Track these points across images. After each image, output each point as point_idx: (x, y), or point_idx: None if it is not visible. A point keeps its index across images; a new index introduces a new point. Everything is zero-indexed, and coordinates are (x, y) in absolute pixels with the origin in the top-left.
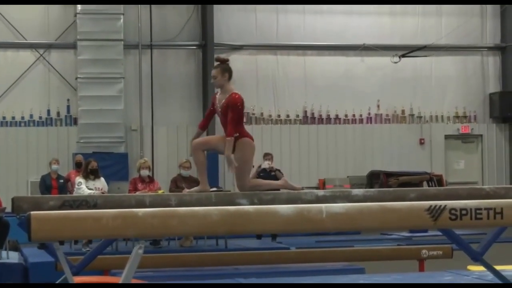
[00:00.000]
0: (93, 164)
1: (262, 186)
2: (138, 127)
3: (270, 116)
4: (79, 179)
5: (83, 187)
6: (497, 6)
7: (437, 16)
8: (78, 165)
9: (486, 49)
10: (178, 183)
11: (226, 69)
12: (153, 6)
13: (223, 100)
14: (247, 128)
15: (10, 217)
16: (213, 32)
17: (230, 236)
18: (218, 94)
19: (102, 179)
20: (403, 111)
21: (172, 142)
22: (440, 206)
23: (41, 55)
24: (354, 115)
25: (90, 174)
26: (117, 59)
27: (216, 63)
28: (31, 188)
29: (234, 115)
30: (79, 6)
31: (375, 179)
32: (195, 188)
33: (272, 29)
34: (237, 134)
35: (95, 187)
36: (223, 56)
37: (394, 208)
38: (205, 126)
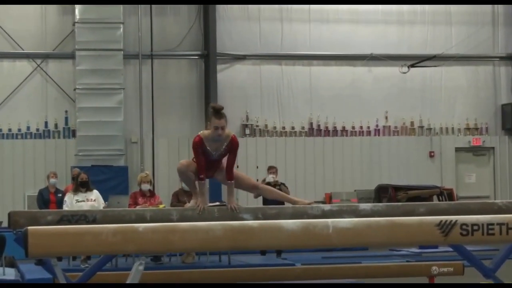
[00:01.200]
0: (83, 176)
1: (273, 193)
2: (139, 139)
3: (275, 128)
4: (66, 197)
5: (68, 205)
6: (510, 14)
7: (446, 24)
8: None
9: (498, 59)
10: (179, 197)
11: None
12: (153, 14)
13: (224, 145)
14: (251, 140)
15: (6, 232)
16: (216, 42)
17: (234, 252)
18: (207, 140)
19: (95, 191)
20: (412, 123)
21: (174, 154)
22: (451, 221)
23: (39, 65)
24: (361, 127)
25: (80, 187)
26: (117, 69)
27: (222, 112)
28: (28, 203)
29: (235, 158)
30: (77, 15)
31: (383, 193)
32: (191, 202)
33: (276, 38)
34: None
35: (87, 199)
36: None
37: (403, 223)
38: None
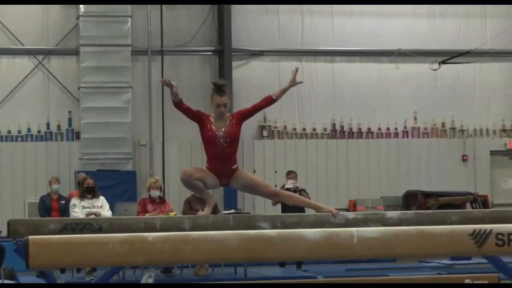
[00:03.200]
0: (89, 182)
1: (294, 199)
2: (148, 142)
3: (295, 129)
4: (73, 201)
5: (76, 210)
6: None
7: (481, 18)
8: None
9: None
10: (192, 204)
11: None
12: (164, 7)
13: (226, 128)
14: (269, 143)
15: (5, 242)
16: (231, 36)
17: (250, 264)
18: (213, 119)
19: (101, 197)
20: (443, 124)
21: (185, 158)
22: (485, 230)
23: (40, 62)
24: (388, 129)
25: (86, 193)
26: (124, 66)
27: (224, 88)
28: (28, 210)
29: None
30: (81, 8)
31: (412, 200)
32: (205, 210)
33: (296, 33)
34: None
35: (93, 205)
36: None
37: (434, 232)
38: (184, 108)
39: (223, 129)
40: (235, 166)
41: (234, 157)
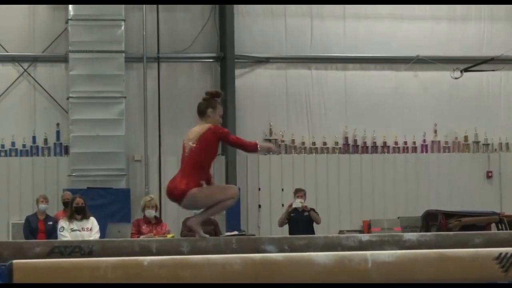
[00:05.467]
0: (79, 201)
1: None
2: (143, 157)
3: (303, 143)
4: (61, 223)
5: (65, 234)
6: None
7: (507, 21)
8: (66, 205)
9: None
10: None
11: None
12: (160, 10)
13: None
14: (276, 158)
15: None
16: (234, 42)
17: None
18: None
19: (92, 218)
20: (465, 138)
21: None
22: None
23: (25, 70)
24: (405, 143)
25: (76, 214)
26: (117, 74)
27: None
28: (13, 232)
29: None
30: (70, 11)
31: (432, 220)
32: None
33: (305, 38)
34: None
35: (83, 228)
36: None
37: (456, 256)
38: None
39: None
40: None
41: None
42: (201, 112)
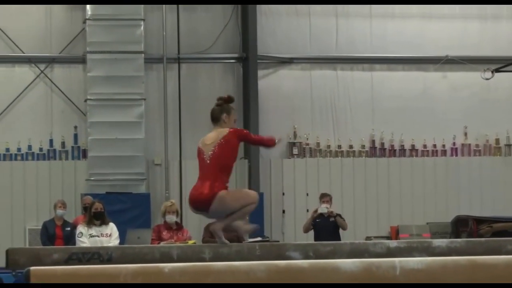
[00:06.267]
0: (97, 206)
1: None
2: (163, 161)
3: (329, 146)
4: (80, 228)
5: (84, 239)
6: None
7: None
8: (86, 209)
9: None
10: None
11: None
12: (181, 9)
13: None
14: (300, 162)
15: (3, 274)
16: (256, 42)
17: None
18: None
19: (111, 224)
20: (497, 141)
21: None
22: None
23: (42, 71)
24: (434, 146)
25: (95, 219)
26: (137, 76)
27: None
28: (29, 238)
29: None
30: (88, 11)
31: (462, 226)
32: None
33: (330, 38)
34: None
35: (102, 234)
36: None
37: (487, 263)
38: None
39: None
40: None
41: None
42: (216, 118)
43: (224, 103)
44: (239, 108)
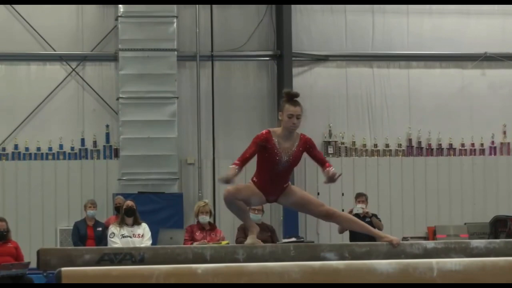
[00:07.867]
0: (129, 203)
1: (351, 223)
2: (196, 160)
3: (365, 145)
4: (112, 229)
5: (116, 240)
6: None
7: None
8: (118, 210)
9: None
10: (247, 231)
11: None
12: (214, 6)
13: (295, 145)
14: (335, 161)
15: (34, 275)
16: (291, 39)
17: None
18: (276, 136)
19: (143, 224)
20: None
21: (239, 178)
22: None
23: (74, 69)
24: (473, 145)
25: (126, 216)
26: (169, 73)
27: (296, 100)
28: (61, 238)
29: (320, 152)
30: (120, 8)
31: (501, 226)
32: (249, 239)
33: (366, 35)
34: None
35: (134, 234)
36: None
37: None
38: (247, 161)
39: (288, 153)
40: (287, 184)
41: (289, 176)
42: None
43: (283, 98)
44: (272, 106)
